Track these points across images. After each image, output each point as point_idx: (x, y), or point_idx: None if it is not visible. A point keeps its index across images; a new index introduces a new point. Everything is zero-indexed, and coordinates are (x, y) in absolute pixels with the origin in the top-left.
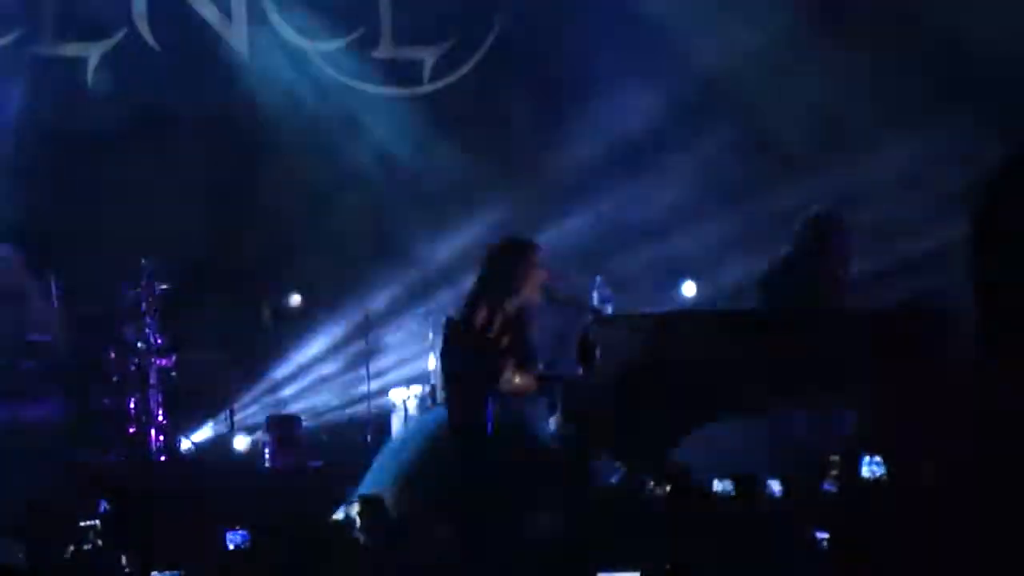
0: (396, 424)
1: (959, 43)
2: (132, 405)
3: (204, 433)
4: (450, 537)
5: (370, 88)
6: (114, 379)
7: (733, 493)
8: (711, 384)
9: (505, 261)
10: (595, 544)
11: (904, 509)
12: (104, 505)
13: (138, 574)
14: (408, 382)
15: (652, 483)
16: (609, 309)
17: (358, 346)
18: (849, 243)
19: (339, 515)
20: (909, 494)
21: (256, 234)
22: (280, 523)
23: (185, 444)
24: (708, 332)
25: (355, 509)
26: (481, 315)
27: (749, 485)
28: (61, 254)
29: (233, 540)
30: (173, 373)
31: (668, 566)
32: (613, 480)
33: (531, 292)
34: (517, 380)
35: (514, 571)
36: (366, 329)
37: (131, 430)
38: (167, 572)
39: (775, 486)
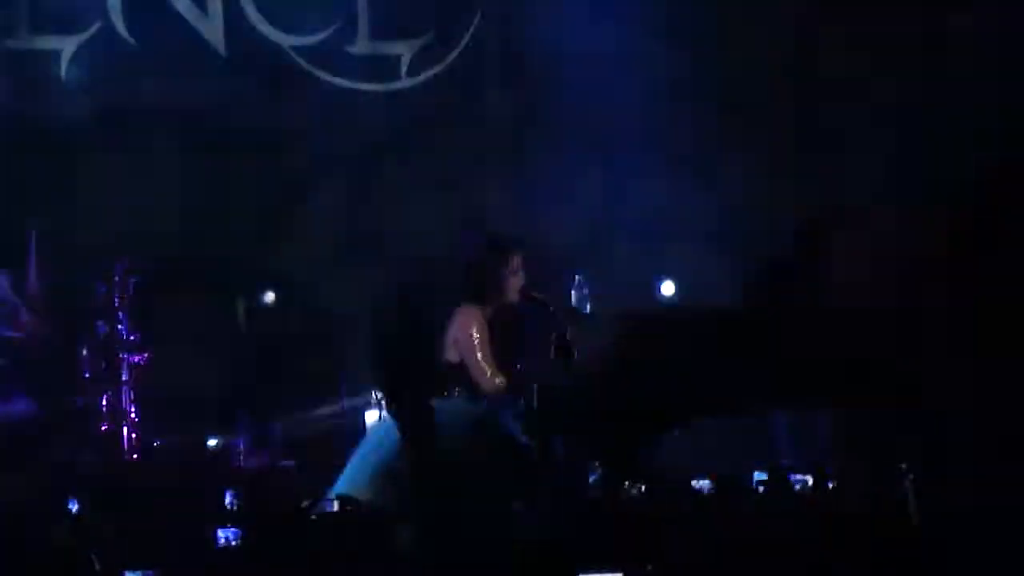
0: (370, 422)
1: None
2: (104, 403)
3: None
4: (428, 536)
5: (346, 83)
6: (86, 376)
7: (713, 491)
8: (689, 384)
9: (484, 265)
10: (576, 544)
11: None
12: (75, 504)
13: (112, 574)
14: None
15: (628, 483)
16: (587, 308)
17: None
18: (849, 246)
19: (314, 514)
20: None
21: (231, 230)
22: (258, 522)
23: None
24: (686, 331)
25: (333, 508)
26: (461, 318)
27: (730, 484)
28: (30, 249)
29: (225, 537)
30: (147, 369)
31: (649, 567)
32: (591, 480)
33: (511, 294)
34: (498, 381)
35: (494, 572)
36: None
37: (103, 428)
38: (140, 572)
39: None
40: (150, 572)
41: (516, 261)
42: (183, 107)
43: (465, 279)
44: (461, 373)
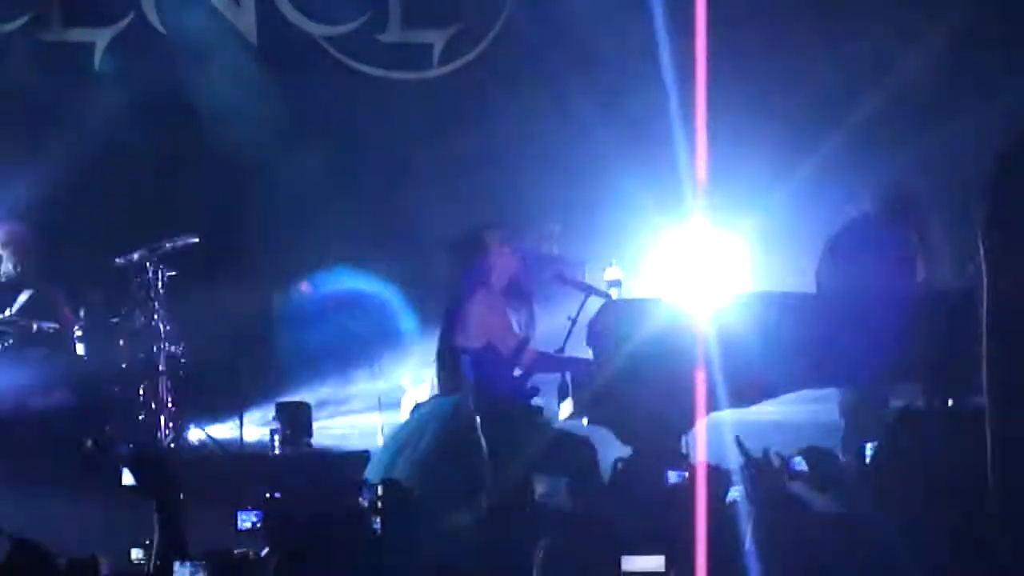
0: (405, 409)
1: None
2: (141, 393)
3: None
4: (471, 523)
5: (378, 72)
6: (123, 366)
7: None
8: (719, 367)
9: (466, 257)
10: (618, 528)
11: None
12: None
13: (158, 564)
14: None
15: (663, 466)
16: (618, 293)
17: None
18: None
19: (360, 502)
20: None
21: (266, 220)
22: (294, 509)
23: (198, 434)
24: (717, 315)
25: (376, 495)
26: (480, 302)
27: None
28: (68, 239)
29: (247, 520)
30: (183, 360)
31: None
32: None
33: (502, 275)
34: (525, 359)
35: (535, 558)
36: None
37: (140, 417)
38: (188, 563)
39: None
40: (199, 564)
41: (498, 240)
42: (215, 97)
43: (456, 266)
44: (486, 356)
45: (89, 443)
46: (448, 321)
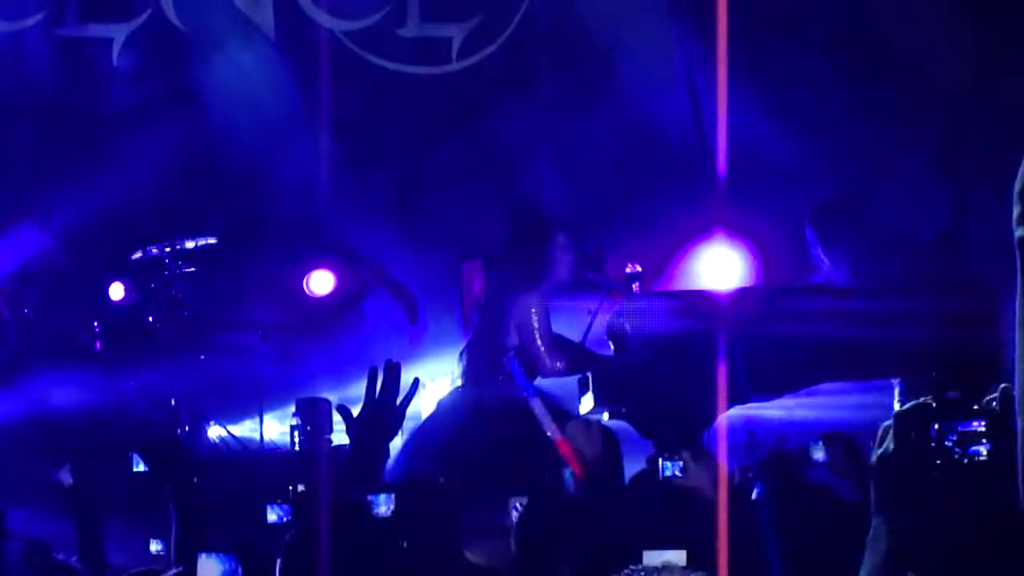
0: (428, 401)
1: None
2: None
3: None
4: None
5: (397, 67)
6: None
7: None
8: (742, 361)
9: (530, 246)
10: (639, 524)
11: None
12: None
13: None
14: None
15: (684, 462)
16: (636, 287)
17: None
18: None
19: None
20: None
21: (282, 214)
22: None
23: (218, 431)
24: (740, 308)
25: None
26: (520, 302)
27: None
28: (85, 234)
29: (275, 513)
30: (202, 356)
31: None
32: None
33: (560, 274)
34: (558, 364)
35: (558, 556)
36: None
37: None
38: (217, 553)
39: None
40: (230, 555)
41: (562, 240)
42: (232, 91)
43: (515, 262)
44: (521, 356)
45: None
46: (493, 315)
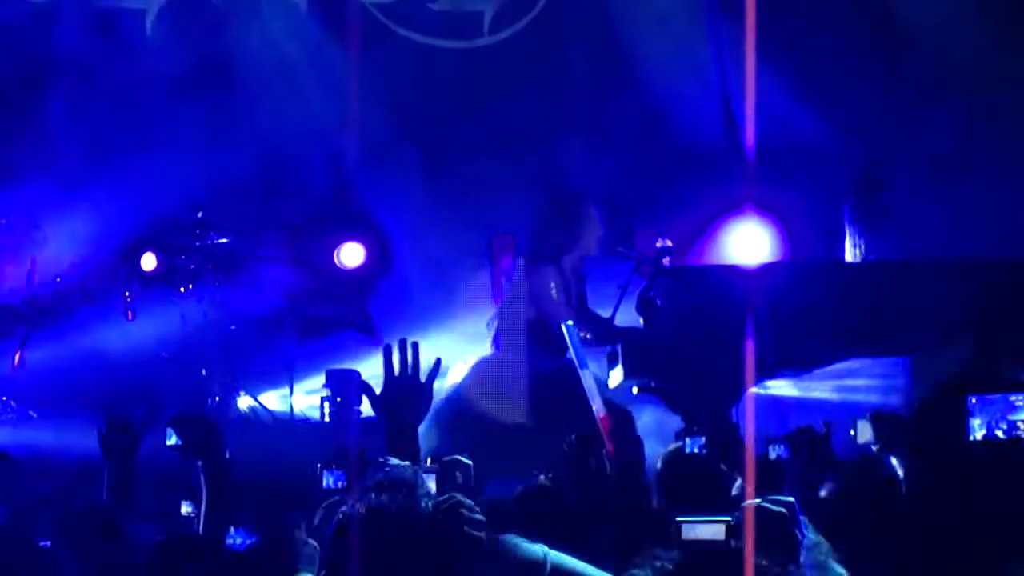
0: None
1: None
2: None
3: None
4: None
5: (429, 40)
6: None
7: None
8: (770, 336)
9: (560, 218)
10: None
11: None
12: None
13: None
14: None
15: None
16: (667, 261)
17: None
18: None
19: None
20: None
21: (314, 186)
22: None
23: (248, 402)
24: (770, 284)
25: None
26: (538, 276)
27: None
28: (119, 206)
29: (330, 479)
30: (232, 327)
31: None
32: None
33: (590, 247)
34: (587, 336)
35: (596, 531)
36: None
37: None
38: (239, 530)
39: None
40: (254, 538)
41: (592, 213)
42: (266, 63)
43: (540, 235)
44: (539, 329)
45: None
46: (522, 287)
